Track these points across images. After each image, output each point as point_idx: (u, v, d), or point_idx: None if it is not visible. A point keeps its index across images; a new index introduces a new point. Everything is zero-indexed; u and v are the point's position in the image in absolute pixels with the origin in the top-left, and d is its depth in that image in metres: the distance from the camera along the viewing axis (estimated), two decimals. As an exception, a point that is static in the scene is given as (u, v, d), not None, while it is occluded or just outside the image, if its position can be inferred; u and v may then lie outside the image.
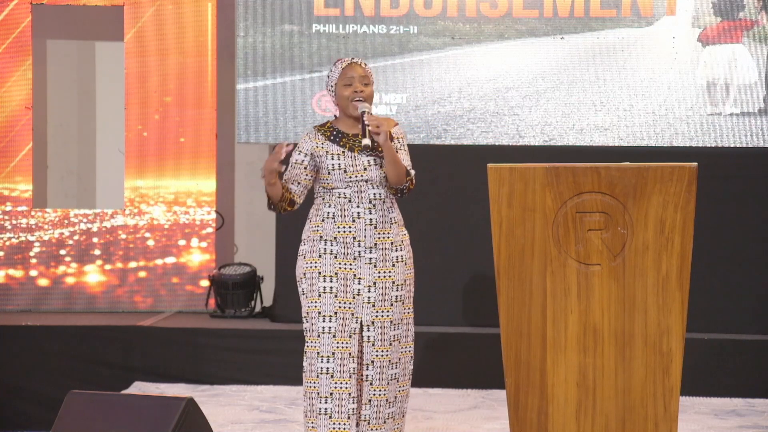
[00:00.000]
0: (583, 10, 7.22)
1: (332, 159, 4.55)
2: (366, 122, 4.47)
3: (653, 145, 7.15)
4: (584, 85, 7.23)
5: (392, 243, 4.59)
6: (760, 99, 7.15)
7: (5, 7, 7.54)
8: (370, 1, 7.27)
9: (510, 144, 7.20)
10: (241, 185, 7.82)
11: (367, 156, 4.55)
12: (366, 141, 4.44)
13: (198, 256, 7.61)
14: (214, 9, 7.55)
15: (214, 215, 7.62)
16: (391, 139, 4.59)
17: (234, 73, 7.50)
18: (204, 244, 7.61)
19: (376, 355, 4.56)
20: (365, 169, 4.54)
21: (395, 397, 4.62)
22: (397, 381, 4.62)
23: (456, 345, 6.69)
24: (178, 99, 7.55)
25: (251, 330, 6.87)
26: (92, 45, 7.87)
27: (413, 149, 7.18)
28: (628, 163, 3.77)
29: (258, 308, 7.45)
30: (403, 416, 4.69)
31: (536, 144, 7.20)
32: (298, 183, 4.60)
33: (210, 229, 7.62)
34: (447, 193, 7.09)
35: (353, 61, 4.61)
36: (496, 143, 7.21)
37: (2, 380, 6.64)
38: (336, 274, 4.54)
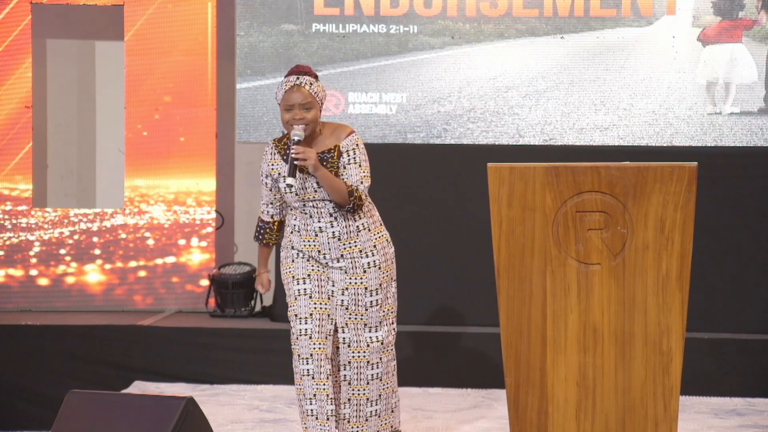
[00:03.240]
0: (583, 10, 7.22)
1: (284, 181, 4.51)
2: (293, 156, 4.40)
3: (653, 145, 7.15)
4: (584, 84, 7.23)
5: (361, 251, 4.57)
6: (760, 98, 7.15)
7: (5, 6, 7.54)
8: (370, 1, 7.26)
9: (510, 143, 7.20)
10: (241, 185, 7.82)
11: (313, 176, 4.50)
12: (290, 180, 4.42)
13: (198, 255, 7.61)
14: (213, 8, 7.55)
15: (214, 215, 7.62)
16: (339, 154, 4.52)
17: (234, 72, 7.50)
18: (204, 244, 7.60)
19: (353, 356, 4.58)
20: (315, 190, 4.50)
21: (379, 396, 4.64)
22: (380, 380, 4.63)
23: (456, 345, 6.69)
24: (178, 98, 7.55)
25: (251, 329, 6.87)
26: (92, 44, 7.87)
27: (413, 149, 7.25)
28: (628, 162, 3.77)
29: (258, 308, 7.45)
30: (392, 411, 4.71)
31: (536, 143, 7.20)
32: (273, 204, 4.66)
33: (210, 229, 7.62)
34: (447, 192, 7.08)
35: (296, 83, 4.46)
36: (496, 143, 7.21)
37: (2, 380, 6.64)
38: (309, 275, 4.55)
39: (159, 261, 7.58)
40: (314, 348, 4.51)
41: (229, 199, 7.82)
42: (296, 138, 4.42)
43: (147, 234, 7.59)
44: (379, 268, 4.59)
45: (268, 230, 4.68)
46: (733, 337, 6.65)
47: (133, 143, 7.56)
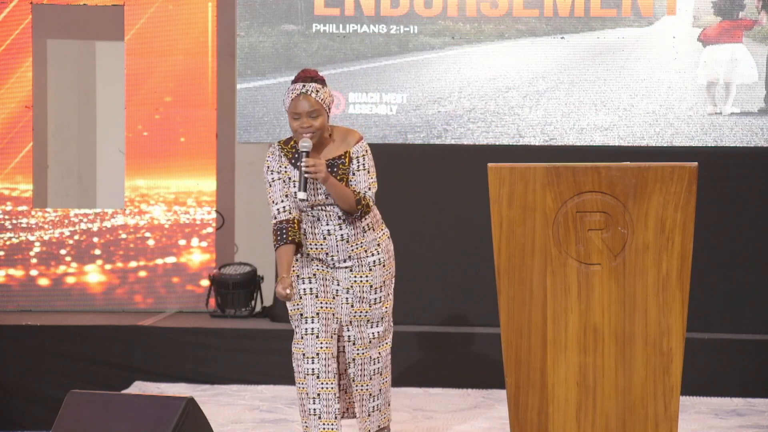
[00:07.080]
0: (583, 10, 7.22)
1: (294, 186, 4.49)
2: (303, 168, 4.35)
3: (653, 145, 7.15)
4: (584, 84, 7.23)
5: (366, 250, 4.59)
6: (760, 98, 7.15)
7: (5, 7, 7.54)
8: (371, 1, 7.26)
9: (510, 144, 7.20)
10: (242, 185, 7.82)
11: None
12: (301, 195, 4.36)
13: (198, 255, 7.61)
14: (214, 8, 7.55)
15: (214, 215, 7.62)
16: (350, 160, 4.50)
17: (234, 72, 7.50)
18: (204, 244, 7.61)
19: (357, 353, 4.62)
20: (326, 196, 4.49)
21: (379, 390, 4.69)
22: (380, 374, 4.67)
23: (456, 345, 6.69)
24: (179, 99, 7.55)
25: (251, 330, 6.87)
26: (92, 45, 7.87)
27: (413, 149, 7.24)
28: (628, 162, 3.77)
29: (258, 308, 7.45)
30: (388, 405, 4.76)
31: (536, 144, 7.20)
32: (288, 197, 4.52)
33: (210, 229, 7.62)
34: (447, 193, 7.08)
35: (302, 91, 4.41)
36: (497, 143, 7.21)
37: (2, 380, 6.64)
38: (315, 275, 4.56)
39: (159, 261, 7.58)
40: (321, 347, 4.52)
41: (230, 200, 7.82)
42: (305, 150, 4.38)
43: (147, 234, 7.59)
44: (383, 265, 4.62)
45: (290, 227, 4.50)
46: (733, 337, 6.65)
47: (133, 143, 7.56)
